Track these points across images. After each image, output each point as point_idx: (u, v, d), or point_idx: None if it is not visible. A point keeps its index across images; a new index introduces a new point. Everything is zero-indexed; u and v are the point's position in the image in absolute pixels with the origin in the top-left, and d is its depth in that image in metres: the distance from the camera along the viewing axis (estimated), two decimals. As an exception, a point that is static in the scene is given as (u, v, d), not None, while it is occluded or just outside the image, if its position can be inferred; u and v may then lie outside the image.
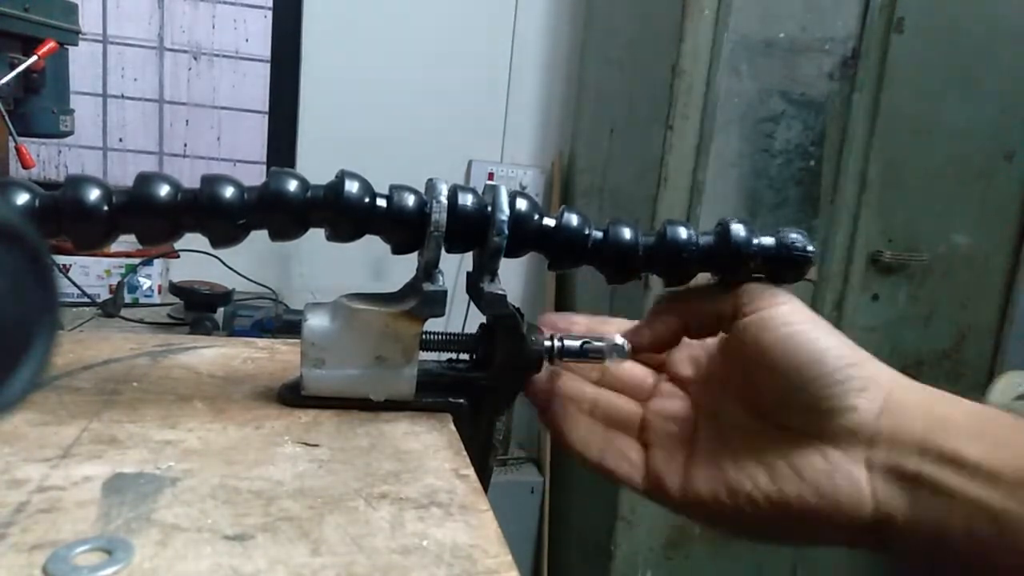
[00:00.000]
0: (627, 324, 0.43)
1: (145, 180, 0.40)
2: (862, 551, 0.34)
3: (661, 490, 0.38)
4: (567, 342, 0.43)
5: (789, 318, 0.36)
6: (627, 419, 0.41)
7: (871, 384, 0.34)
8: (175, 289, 1.56)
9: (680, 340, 0.41)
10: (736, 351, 0.38)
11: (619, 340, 0.41)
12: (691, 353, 0.42)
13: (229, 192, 0.40)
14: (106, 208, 0.39)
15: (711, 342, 0.41)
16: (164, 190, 0.39)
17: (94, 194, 0.38)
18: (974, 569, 0.31)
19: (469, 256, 0.45)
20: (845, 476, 0.33)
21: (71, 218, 0.38)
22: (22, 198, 0.38)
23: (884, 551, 0.33)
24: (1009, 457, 0.30)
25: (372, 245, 0.46)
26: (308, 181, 0.41)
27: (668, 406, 0.41)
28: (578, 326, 0.44)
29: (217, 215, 0.40)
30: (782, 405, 0.35)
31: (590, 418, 0.41)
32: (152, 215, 0.39)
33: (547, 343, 0.43)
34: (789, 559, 1.87)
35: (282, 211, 0.40)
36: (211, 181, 0.40)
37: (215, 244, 0.41)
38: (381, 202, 0.42)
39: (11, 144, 1.21)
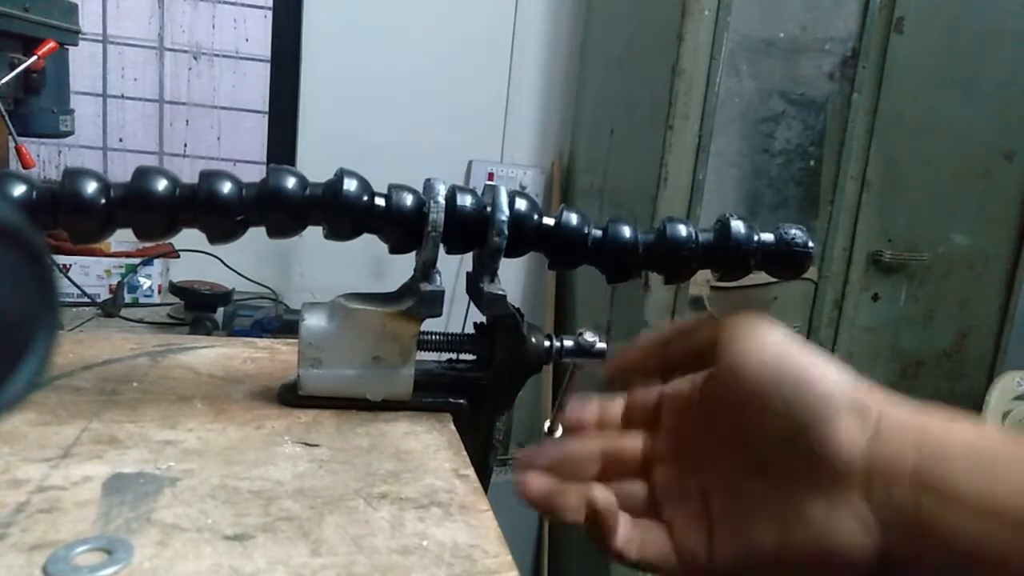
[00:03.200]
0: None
1: (143, 174, 0.39)
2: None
3: (694, 565, 0.36)
4: (567, 341, 0.43)
5: (767, 341, 0.34)
6: (639, 498, 0.39)
7: (859, 410, 0.32)
8: (175, 289, 1.56)
9: (656, 366, 0.39)
10: (719, 390, 0.36)
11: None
12: (677, 408, 0.39)
13: (227, 188, 0.40)
14: (103, 201, 0.38)
15: (694, 397, 0.38)
16: (162, 185, 0.39)
17: (91, 187, 0.38)
18: None
19: (469, 256, 0.45)
20: (851, 516, 0.32)
21: (68, 210, 0.38)
22: (19, 189, 0.37)
23: None
24: (1011, 493, 0.29)
25: (372, 245, 0.46)
26: (307, 179, 0.41)
27: (666, 467, 0.39)
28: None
29: (215, 211, 0.40)
30: (769, 445, 0.34)
31: (626, 514, 0.38)
32: (149, 210, 0.39)
33: (547, 343, 0.43)
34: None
35: (280, 208, 0.40)
36: (209, 177, 0.40)
37: (212, 240, 0.41)
38: (380, 201, 0.42)
39: (11, 144, 1.21)
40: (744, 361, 0.34)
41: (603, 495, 0.38)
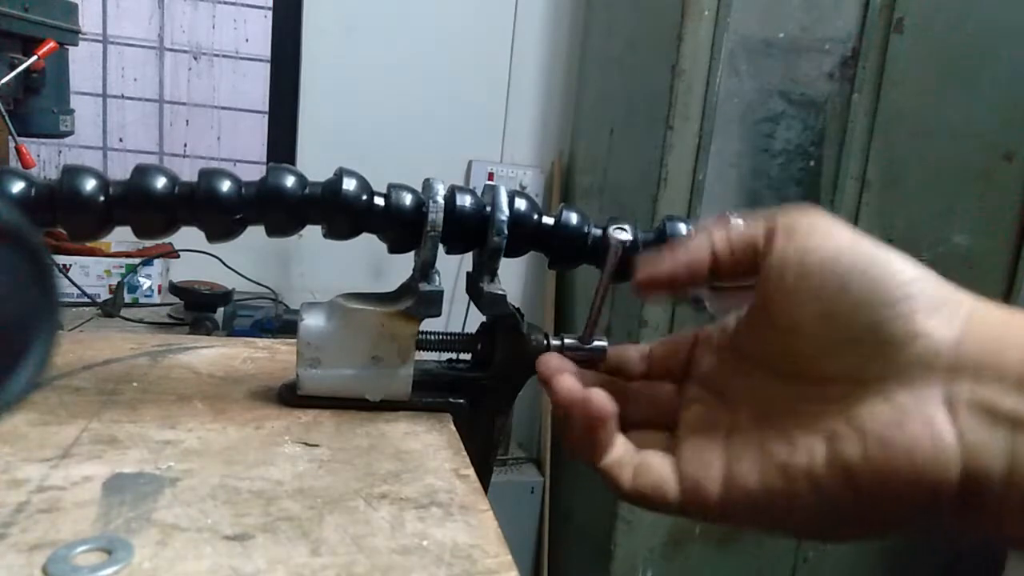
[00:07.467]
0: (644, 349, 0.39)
1: (142, 172, 0.39)
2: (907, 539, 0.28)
3: (699, 497, 0.31)
4: (567, 339, 0.43)
5: (834, 230, 0.30)
6: (654, 431, 0.35)
7: (946, 303, 0.27)
8: (175, 289, 1.56)
9: (705, 275, 0.34)
10: (772, 290, 0.31)
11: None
12: (711, 348, 0.37)
13: (226, 186, 0.40)
14: (102, 199, 0.38)
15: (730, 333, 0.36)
16: (161, 183, 0.39)
17: (90, 184, 0.38)
18: None
19: (469, 256, 0.45)
20: (919, 420, 0.26)
21: (67, 208, 0.38)
22: (18, 186, 0.37)
23: (975, 524, 0.26)
24: None
25: (372, 245, 0.46)
26: (306, 178, 0.41)
27: (697, 406, 0.35)
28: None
29: (214, 209, 0.40)
30: (831, 346, 0.29)
31: (623, 436, 0.34)
32: (148, 207, 0.39)
33: (547, 342, 0.43)
34: (790, 559, 1.87)
35: (279, 207, 0.40)
36: (208, 175, 0.40)
37: (211, 239, 0.41)
38: (379, 200, 0.42)
39: (11, 144, 1.21)
40: (816, 246, 0.29)
41: (600, 397, 0.32)
